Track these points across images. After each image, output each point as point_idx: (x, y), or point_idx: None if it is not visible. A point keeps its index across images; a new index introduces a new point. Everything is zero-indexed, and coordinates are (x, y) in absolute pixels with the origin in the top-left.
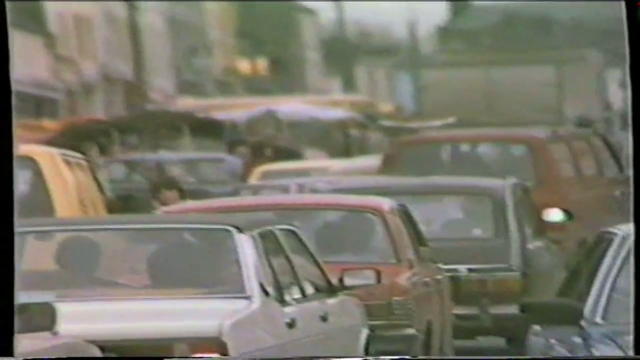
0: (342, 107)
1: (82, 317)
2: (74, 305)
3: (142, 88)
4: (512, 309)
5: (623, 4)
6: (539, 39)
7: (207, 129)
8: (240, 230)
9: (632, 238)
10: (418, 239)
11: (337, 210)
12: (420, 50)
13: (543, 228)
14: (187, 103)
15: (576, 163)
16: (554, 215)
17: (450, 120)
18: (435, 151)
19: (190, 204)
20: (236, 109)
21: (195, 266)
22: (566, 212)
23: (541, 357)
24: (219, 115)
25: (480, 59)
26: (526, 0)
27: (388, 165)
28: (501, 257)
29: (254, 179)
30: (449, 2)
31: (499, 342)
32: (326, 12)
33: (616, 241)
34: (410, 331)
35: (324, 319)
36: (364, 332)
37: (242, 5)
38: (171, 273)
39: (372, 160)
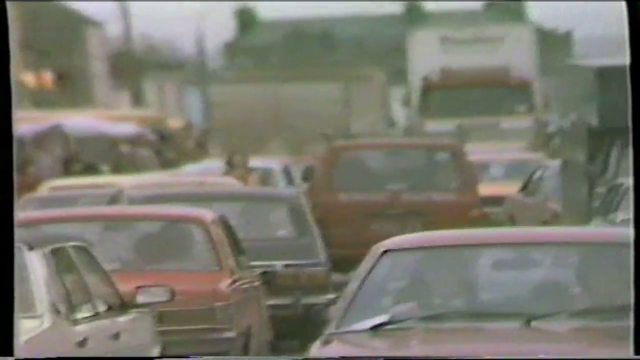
0: (130, 122)
1: None
2: None
3: None
4: (322, 299)
5: (623, 4)
6: (325, 56)
7: None
8: (30, 247)
9: (632, 238)
10: (237, 247)
11: (160, 220)
12: (208, 66)
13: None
14: None
15: None
16: None
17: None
18: (368, 156)
19: None
20: (22, 123)
21: None
22: None
23: (540, 357)
24: None
25: (268, 76)
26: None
27: (326, 168)
28: (310, 254)
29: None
30: (236, 18)
31: None
32: (113, 26)
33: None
34: (231, 334)
35: (115, 337)
36: (155, 351)
37: (26, 16)
38: None
39: (162, 176)
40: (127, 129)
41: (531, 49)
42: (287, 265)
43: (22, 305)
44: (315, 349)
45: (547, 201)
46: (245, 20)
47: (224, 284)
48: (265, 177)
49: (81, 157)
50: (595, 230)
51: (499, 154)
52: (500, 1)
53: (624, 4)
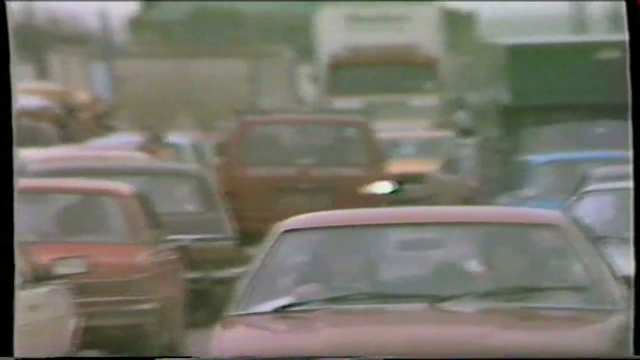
0: (35, 95)
1: None
2: None
3: None
4: (231, 273)
5: (624, 3)
6: (232, 32)
7: None
8: None
9: (632, 236)
10: (154, 221)
11: (77, 194)
12: (113, 40)
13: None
14: None
15: None
16: (384, 187)
17: None
18: (278, 131)
19: None
20: None
21: None
22: (395, 184)
23: (546, 357)
24: None
25: (175, 51)
26: None
27: (236, 143)
28: (217, 229)
29: None
30: None
31: None
32: None
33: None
34: (147, 306)
35: (33, 308)
36: (72, 321)
37: None
38: None
39: (69, 150)
40: (31, 102)
41: (437, 27)
42: (195, 240)
43: None
44: (216, 332)
45: (466, 179)
46: None
47: (141, 257)
48: (175, 152)
49: None
50: (499, 209)
51: (409, 132)
52: None
53: (623, 4)
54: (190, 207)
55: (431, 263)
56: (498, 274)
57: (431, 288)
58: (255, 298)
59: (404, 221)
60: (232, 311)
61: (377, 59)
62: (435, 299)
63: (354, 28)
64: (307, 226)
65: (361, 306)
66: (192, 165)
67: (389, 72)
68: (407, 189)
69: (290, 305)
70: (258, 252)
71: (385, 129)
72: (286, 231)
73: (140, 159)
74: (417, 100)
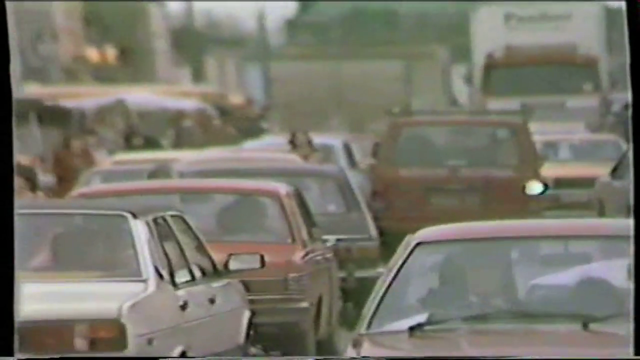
0: (192, 98)
1: None
2: None
3: None
4: (373, 272)
5: (623, 3)
6: (387, 33)
7: (54, 117)
8: (135, 216)
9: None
10: (309, 220)
11: (237, 194)
12: (269, 42)
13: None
14: (33, 90)
15: None
16: (536, 188)
17: None
18: (430, 132)
19: (101, 186)
20: (84, 98)
21: (94, 250)
22: (545, 185)
23: (538, 357)
24: (67, 103)
25: (329, 53)
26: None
27: (388, 144)
28: (360, 229)
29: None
30: None
31: None
32: (174, 1)
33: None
34: (304, 304)
35: (212, 301)
36: (246, 314)
37: None
38: (73, 256)
39: (221, 152)
40: (188, 104)
41: (598, 26)
42: (339, 240)
43: (127, 270)
44: (348, 352)
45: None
46: None
47: (298, 256)
48: (326, 154)
49: (142, 131)
50: None
51: (568, 134)
52: None
53: (624, 4)
54: (332, 208)
55: (577, 279)
56: None
57: (578, 307)
58: (387, 315)
59: (547, 234)
60: (363, 329)
61: (534, 58)
62: (586, 318)
63: (512, 27)
64: (442, 238)
65: (503, 326)
66: (332, 166)
67: (546, 72)
68: (568, 194)
69: (426, 324)
70: (391, 265)
71: (544, 132)
72: (420, 243)
73: (288, 160)
74: (575, 102)
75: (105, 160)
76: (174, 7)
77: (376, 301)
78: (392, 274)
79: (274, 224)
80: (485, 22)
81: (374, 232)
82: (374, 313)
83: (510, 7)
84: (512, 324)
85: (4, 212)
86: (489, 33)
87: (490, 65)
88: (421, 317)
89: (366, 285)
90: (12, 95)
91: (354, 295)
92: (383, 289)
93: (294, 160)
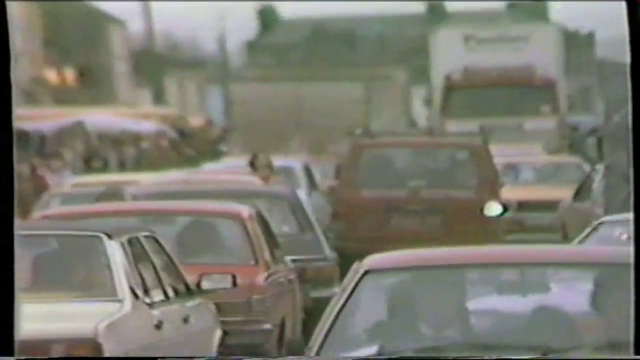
0: (152, 119)
1: None
2: None
3: None
4: (328, 292)
5: (623, 4)
6: (347, 55)
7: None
8: (110, 236)
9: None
10: (272, 241)
11: (199, 216)
12: (229, 64)
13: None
14: None
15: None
16: (495, 209)
17: None
18: (391, 154)
19: (63, 208)
20: (43, 120)
21: (70, 271)
22: (504, 206)
23: (542, 357)
24: (26, 125)
25: (289, 75)
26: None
27: (349, 165)
28: (314, 250)
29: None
30: (258, 16)
31: None
32: (134, 23)
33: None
34: (267, 326)
35: (185, 320)
36: (218, 332)
37: (49, 13)
38: (49, 277)
39: (177, 174)
40: (148, 126)
41: (556, 48)
42: (293, 260)
43: (103, 290)
44: None
45: (594, 207)
46: (267, 18)
47: (261, 278)
48: (287, 176)
49: (101, 154)
50: (611, 248)
51: (530, 157)
52: (523, 1)
53: (623, 4)
54: (285, 229)
55: (533, 307)
56: (610, 322)
57: (537, 338)
58: (336, 345)
59: (501, 261)
60: (310, 356)
61: (493, 80)
62: (542, 350)
63: (471, 49)
64: (391, 266)
65: (456, 357)
66: (284, 187)
67: (505, 93)
68: (531, 217)
69: (376, 356)
70: (339, 293)
71: (505, 153)
72: (368, 271)
73: (242, 181)
74: (533, 124)
75: (68, 182)
76: (134, 29)
77: (325, 329)
78: (340, 302)
79: (236, 246)
80: (444, 43)
81: (329, 252)
82: (322, 342)
83: (468, 29)
84: (467, 355)
85: (4, 215)
86: (448, 55)
87: (449, 87)
88: (371, 349)
89: (323, 306)
90: (12, 95)
91: (311, 315)
92: (331, 318)
93: (252, 182)
